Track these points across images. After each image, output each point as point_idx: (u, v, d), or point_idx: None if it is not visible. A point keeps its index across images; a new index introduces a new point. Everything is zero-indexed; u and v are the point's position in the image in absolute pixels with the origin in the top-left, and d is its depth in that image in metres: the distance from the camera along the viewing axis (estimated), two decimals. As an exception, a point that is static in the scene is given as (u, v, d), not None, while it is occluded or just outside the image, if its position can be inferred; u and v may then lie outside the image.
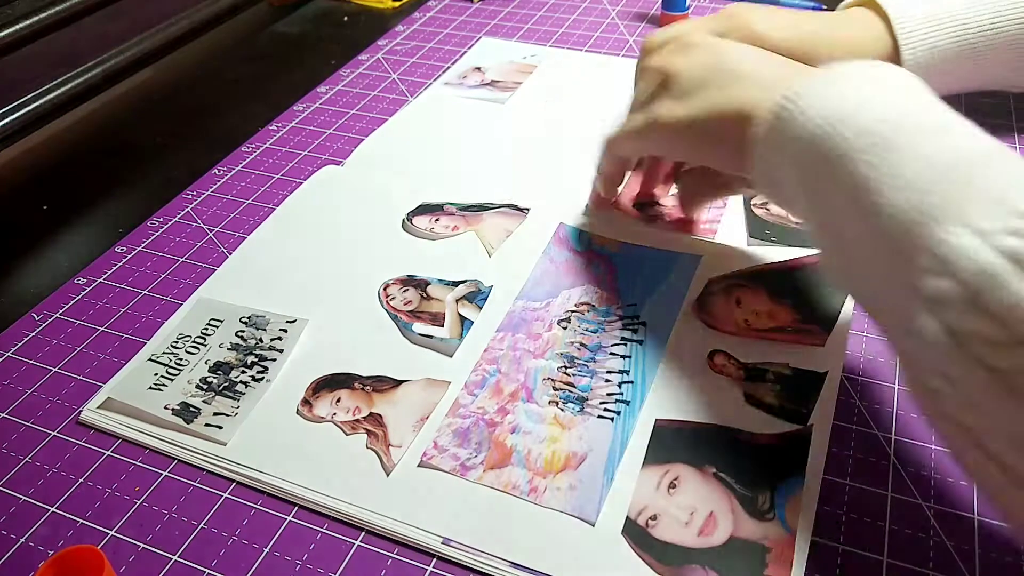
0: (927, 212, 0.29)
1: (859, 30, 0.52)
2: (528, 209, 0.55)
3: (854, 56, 0.38)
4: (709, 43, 0.44)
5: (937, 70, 0.52)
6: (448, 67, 0.75)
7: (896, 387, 0.43)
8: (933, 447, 0.40)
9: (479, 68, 0.74)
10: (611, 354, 0.45)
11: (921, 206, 0.29)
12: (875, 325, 0.35)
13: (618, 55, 0.76)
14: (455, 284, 0.50)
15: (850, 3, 0.55)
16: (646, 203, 0.55)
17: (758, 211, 0.54)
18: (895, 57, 0.51)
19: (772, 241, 0.51)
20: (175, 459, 0.41)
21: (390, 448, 0.40)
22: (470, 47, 0.78)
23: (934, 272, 0.28)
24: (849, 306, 0.46)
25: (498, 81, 0.72)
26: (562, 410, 0.42)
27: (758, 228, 0.53)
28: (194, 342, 0.47)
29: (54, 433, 0.43)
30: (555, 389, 0.43)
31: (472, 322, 0.47)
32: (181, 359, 0.46)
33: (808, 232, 0.38)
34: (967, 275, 0.27)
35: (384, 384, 0.44)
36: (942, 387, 0.29)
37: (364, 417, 0.42)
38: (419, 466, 0.39)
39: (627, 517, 0.37)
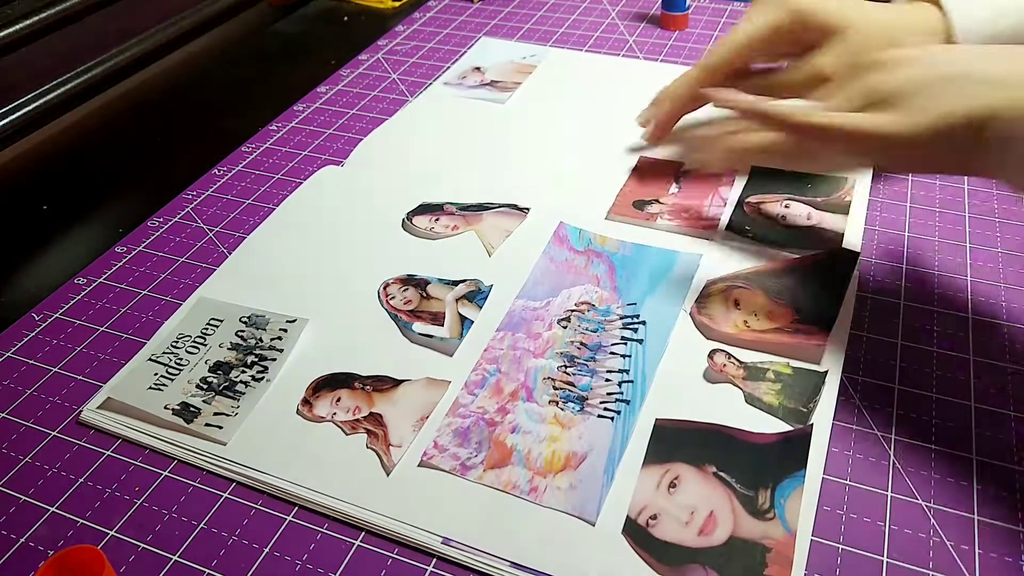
0: None
1: (916, 20, 0.50)
2: (528, 209, 0.55)
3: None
4: (913, 55, 0.42)
5: None
6: (448, 67, 0.75)
7: (896, 387, 0.43)
8: (933, 447, 0.40)
9: (479, 68, 0.74)
10: (611, 353, 0.45)
11: None
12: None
13: (618, 55, 0.76)
14: (455, 283, 0.50)
15: None
16: (646, 201, 0.55)
17: (747, 209, 0.54)
18: None
19: (749, 238, 0.52)
20: (175, 459, 0.41)
21: (390, 448, 0.40)
22: (470, 47, 0.78)
23: None
24: (848, 305, 0.46)
25: (498, 81, 0.72)
26: (562, 409, 0.42)
27: (739, 223, 0.53)
28: (194, 342, 0.47)
29: (54, 433, 0.43)
30: (555, 388, 0.43)
31: (472, 321, 0.47)
32: (181, 359, 0.46)
33: None
34: None
35: (384, 384, 0.44)
36: None
37: (364, 417, 0.42)
38: (419, 466, 0.39)
39: (627, 516, 0.37)
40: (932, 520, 0.37)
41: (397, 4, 0.88)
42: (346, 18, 0.88)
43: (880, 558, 0.35)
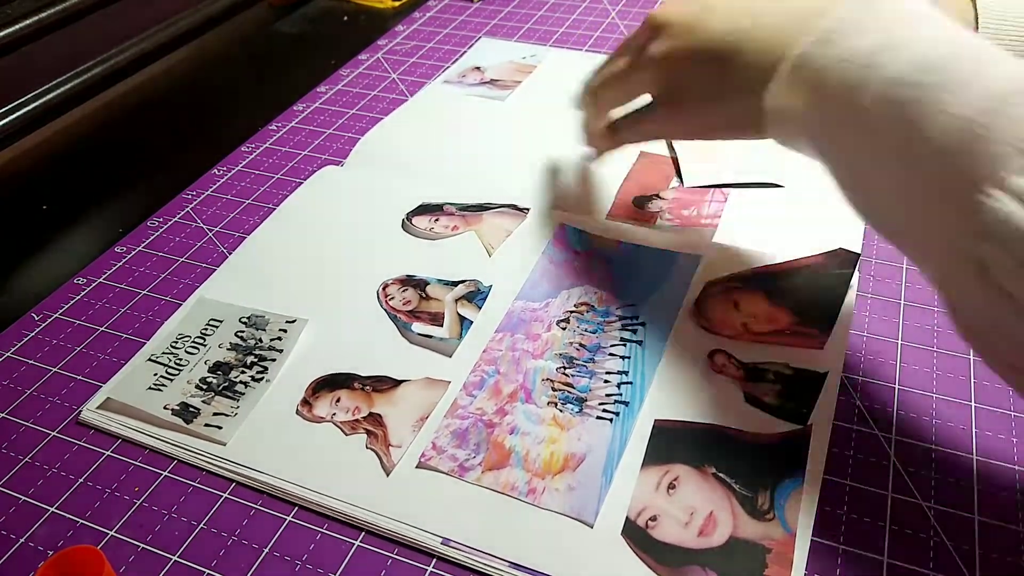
0: (964, 173, 0.28)
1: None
2: (528, 209, 0.55)
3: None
4: None
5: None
6: (448, 67, 0.75)
7: (896, 387, 0.43)
8: (933, 447, 0.40)
9: (478, 68, 0.74)
10: (610, 355, 0.45)
11: (955, 167, 0.29)
12: (914, 265, 0.35)
13: (618, 55, 0.76)
14: (454, 284, 0.50)
15: None
16: (647, 197, 0.55)
17: None
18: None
19: None
20: (175, 459, 0.41)
21: (390, 448, 0.40)
22: (470, 47, 0.78)
23: (980, 236, 0.28)
24: (849, 305, 0.47)
25: (497, 80, 0.72)
26: (561, 411, 0.42)
27: None
28: (194, 342, 0.47)
29: (54, 433, 0.43)
30: (554, 390, 0.43)
31: (471, 322, 0.47)
32: (181, 359, 0.46)
33: (832, 174, 0.36)
34: (1015, 243, 0.27)
35: (384, 384, 0.44)
36: (991, 333, 0.30)
37: (364, 417, 0.42)
38: (417, 467, 0.39)
39: (627, 518, 0.37)
40: (932, 520, 0.37)
41: (397, 4, 0.88)
42: (346, 18, 0.88)
43: (880, 558, 0.35)
